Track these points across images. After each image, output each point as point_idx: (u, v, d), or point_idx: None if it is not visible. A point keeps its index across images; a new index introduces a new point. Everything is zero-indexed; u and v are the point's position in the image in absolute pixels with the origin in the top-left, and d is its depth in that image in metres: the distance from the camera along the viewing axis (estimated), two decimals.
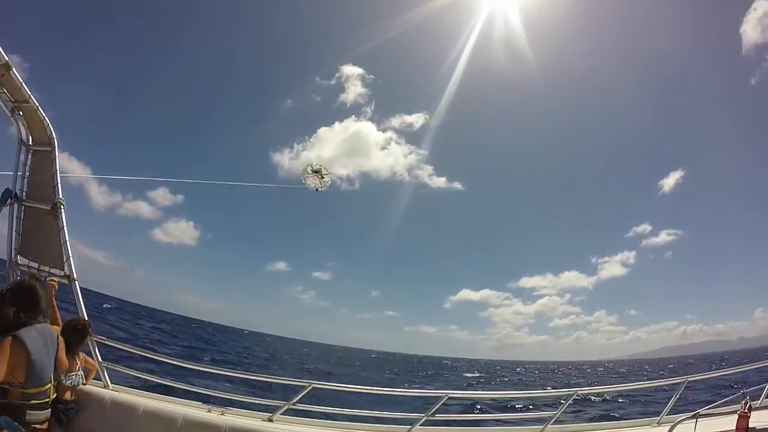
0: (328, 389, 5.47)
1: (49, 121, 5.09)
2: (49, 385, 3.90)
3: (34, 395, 3.74)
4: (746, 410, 4.05)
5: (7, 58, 4.51)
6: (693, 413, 4.36)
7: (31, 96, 4.89)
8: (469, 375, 53.19)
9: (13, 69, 4.60)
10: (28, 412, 3.71)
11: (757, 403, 4.33)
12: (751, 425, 4.00)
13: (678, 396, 5.33)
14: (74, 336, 4.46)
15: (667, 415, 5.19)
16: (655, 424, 5.20)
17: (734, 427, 4.04)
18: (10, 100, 4.97)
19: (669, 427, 4.39)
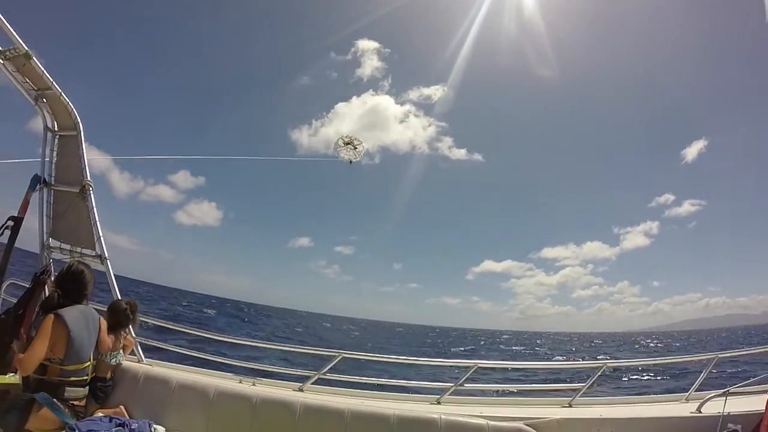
0: (358, 359, 5.55)
1: (72, 106, 5.19)
2: (88, 363, 4.06)
3: (73, 372, 3.89)
4: None
5: (26, 48, 4.61)
6: (723, 391, 4.34)
7: (54, 83, 4.98)
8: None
9: (34, 58, 4.69)
10: (66, 388, 3.87)
11: None
12: None
13: (707, 373, 5.24)
14: (122, 317, 4.65)
15: (696, 391, 5.12)
16: (683, 400, 5.14)
17: (764, 408, 3.95)
18: (33, 89, 5.08)
19: (698, 404, 4.41)
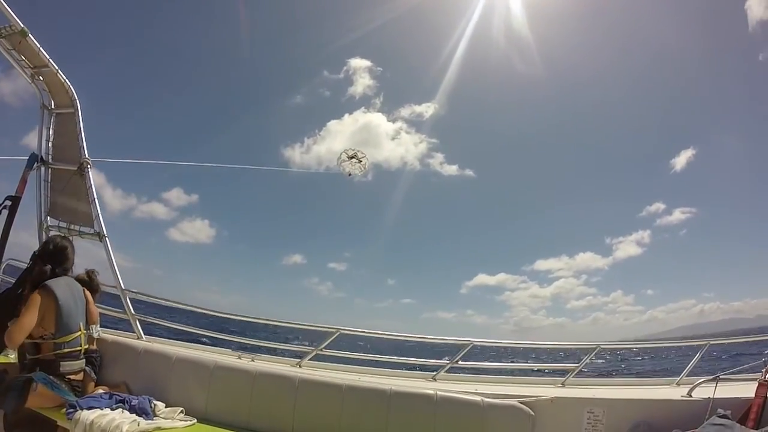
0: (356, 335, 5.58)
1: (69, 83, 5.16)
2: (79, 333, 4.05)
3: (66, 344, 3.90)
4: (766, 379, 4.04)
5: (22, 25, 4.58)
6: (713, 376, 4.40)
7: (50, 60, 4.95)
8: None
9: (30, 35, 4.67)
10: (61, 363, 3.87)
11: None
12: None
13: (699, 358, 5.32)
14: (93, 287, 4.54)
15: (687, 376, 5.21)
16: (674, 384, 5.22)
17: (753, 395, 4.02)
18: (29, 66, 5.05)
19: (688, 388, 4.45)
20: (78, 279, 4.48)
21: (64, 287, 3.97)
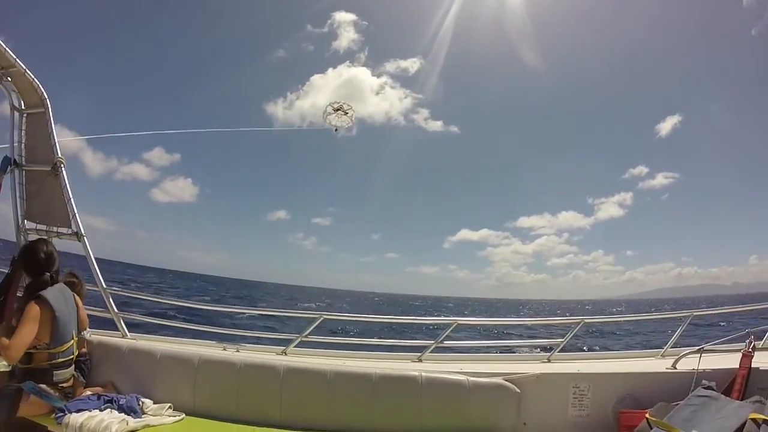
0: (339, 320, 5.64)
1: (38, 83, 5.07)
2: (72, 341, 4.06)
3: (60, 353, 3.89)
4: (750, 350, 4.13)
5: None
6: (698, 348, 4.48)
7: (17, 60, 4.82)
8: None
9: None
10: (54, 372, 3.87)
11: (760, 344, 4.37)
12: (754, 365, 4.08)
13: (683, 330, 5.41)
14: (79, 289, 4.55)
15: (671, 348, 5.30)
16: (659, 356, 5.30)
17: (737, 365, 4.10)
18: None
19: (673, 360, 4.57)
20: (65, 281, 4.45)
21: (59, 297, 3.95)
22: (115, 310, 5.06)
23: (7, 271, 4.80)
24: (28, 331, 3.67)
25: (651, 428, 3.69)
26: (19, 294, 4.47)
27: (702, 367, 4.23)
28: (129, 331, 5.12)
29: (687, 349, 4.68)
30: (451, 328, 5.18)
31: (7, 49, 4.71)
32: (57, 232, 5.17)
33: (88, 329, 4.61)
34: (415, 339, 5.68)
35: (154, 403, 4.16)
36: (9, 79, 5.05)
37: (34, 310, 3.72)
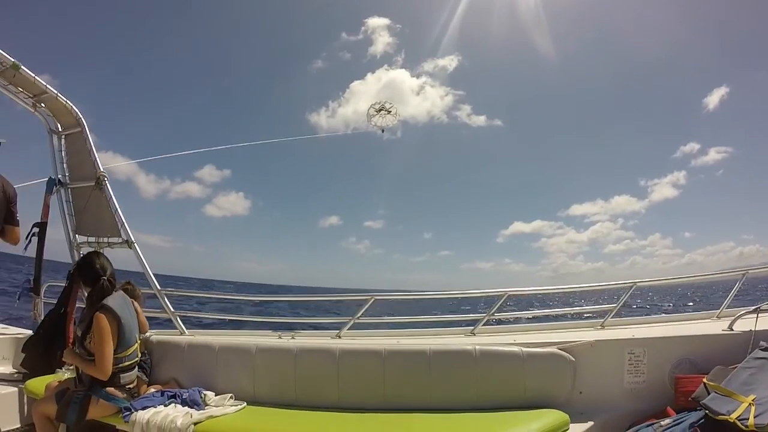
0: (390, 299, 5.60)
1: (72, 104, 5.27)
2: (137, 345, 4.21)
3: (126, 357, 4.02)
4: None
5: (12, 59, 4.67)
6: (754, 308, 4.27)
7: (47, 86, 5.06)
8: None
9: (22, 67, 4.78)
10: (121, 375, 3.98)
11: None
12: None
13: (738, 289, 5.14)
14: (130, 295, 4.68)
15: (726, 308, 5.06)
16: (714, 318, 5.09)
17: None
18: (29, 96, 5.19)
19: (729, 321, 4.33)
20: (121, 290, 4.64)
21: (122, 304, 4.07)
22: (172, 309, 5.23)
23: (65, 284, 5.08)
24: (108, 347, 3.81)
25: (708, 393, 3.51)
26: (80, 304, 4.72)
27: (759, 327, 4.01)
28: (187, 329, 5.27)
29: (743, 309, 4.42)
30: (502, 300, 5.08)
31: (36, 77, 4.92)
32: (108, 242, 5.40)
33: (149, 331, 4.79)
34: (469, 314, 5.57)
35: (216, 395, 4.26)
36: (42, 105, 5.30)
37: (104, 322, 3.82)
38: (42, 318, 5.24)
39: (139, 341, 4.27)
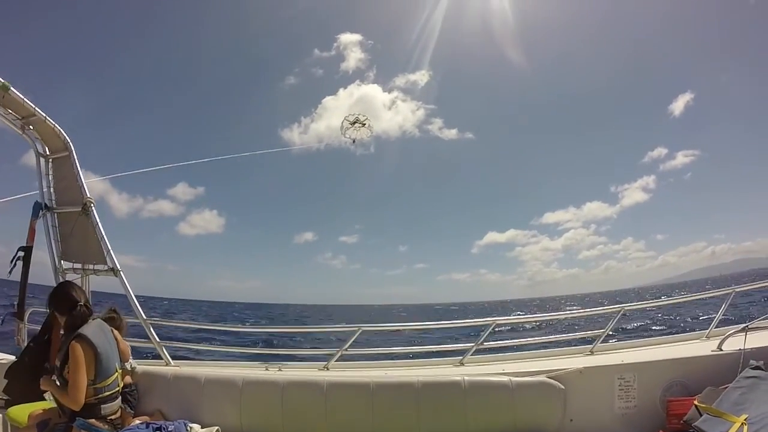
0: (377, 330, 5.61)
1: (60, 128, 5.23)
2: (116, 374, 4.13)
3: (105, 387, 3.96)
4: None
5: (2, 80, 4.63)
6: (743, 326, 4.35)
7: (36, 108, 5.00)
8: None
9: (12, 88, 4.72)
10: (102, 406, 3.91)
11: None
12: None
13: (725, 308, 5.26)
14: (118, 324, 4.61)
15: (715, 327, 5.15)
16: (704, 338, 5.17)
17: None
18: (18, 118, 5.12)
19: (719, 341, 4.42)
20: (104, 317, 4.53)
21: (98, 333, 4.01)
22: (157, 339, 5.16)
23: (47, 310, 4.99)
24: (81, 376, 3.75)
25: (700, 415, 3.59)
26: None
27: (749, 346, 4.10)
28: (172, 359, 5.20)
29: (732, 328, 4.52)
30: (490, 329, 5.11)
31: (25, 99, 4.88)
32: (94, 269, 5.32)
33: (131, 360, 4.71)
34: (456, 343, 5.60)
35: (203, 428, 4.22)
36: (31, 127, 5.25)
37: (78, 351, 3.77)
38: (26, 344, 5.13)
39: (119, 370, 4.20)
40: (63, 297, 4.07)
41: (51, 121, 5.14)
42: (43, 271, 5.57)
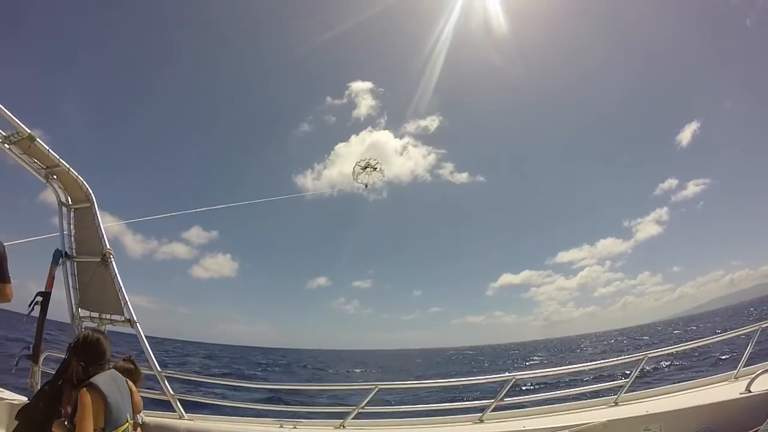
0: (394, 388, 5.50)
1: (83, 180, 5.34)
2: (127, 424, 4.08)
3: None
4: None
5: (29, 131, 4.78)
6: None
7: (61, 159, 5.14)
8: None
9: (38, 139, 4.87)
10: None
11: None
12: None
13: (752, 346, 5.08)
14: (135, 375, 4.60)
15: (744, 367, 4.99)
16: (732, 379, 5.00)
17: None
18: (42, 168, 5.25)
19: (748, 381, 4.27)
20: (122, 367, 4.54)
21: (110, 383, 3.98)
22: (171, 392, 5.12)
23: (64, 356, 4.97)
24: (87, 423, 3.69)
25: None
26: None
27: None
28: (186, 412, 5.12)
29: (760, 367, 4.39)
30: (509, 384, 5.00)
31: (50, 150, 5.01)
32: (110, 319, 5.33)
33: (142, 415, 4.64)
34: (475, 396, 5.45)
35: None
36: (54, 177, 5.36)
37: (86, 399, 3.73)
38: (39, 387, 5.10)
39: (130, 421, 4.14)
40: (95, 351, 4.06)
41: (74, 172, 5.27)
42: (59, 308, 5.61)
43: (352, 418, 5.04)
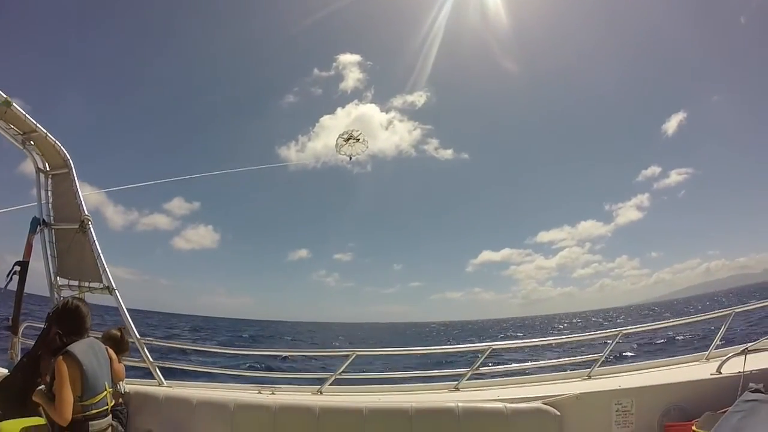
0: (372, 355, 5.57)
1: (60, 145, 5.25)
2: (105, 393, 4.09)
3: (93, 405, 3.93)
4: None
5: (5, 96, 4.67)
6: (742, 348, 4.27)
7: (38, 125, 5.04)
8: None
9: (14, 104, 4.76)
10: (90, 423, 3.89)
11: None
12: None
13: (725, 330, 5.16)
14: (121, 345, 4.64)
15: (715, 349, 5.09)
16: (703, 360, 5.11)
17: None
18: (19, 133, 5.16)
19: (718, 363, 4.35)
20: (109, 335, 4.58)
21: (87, 351, 3.97)
22: (151, 359, 5.14)
23: (43, 326, 4.95)
24: (65, 391, 3.71)
25: None
26: None
27: (748, 368, 4.01)
28: (165, 379, 5.16)
29: (731, 351, 4.47)
30: (485, 354, 5.07)
31: (27, 115, 4.91)
32: (89, 287, 5.31)
33: (124, 384, 4.67)
34: (452, 367, 5.53)
35: None
36: (32, 143, 5.27)
37: (63, 367, 3.73)
38: (19, 358, 5.09)
39: (108, 390, 4.16)
40: (76, 319, 4.05)
41: (52, 137, 5.17)
42: (40, 282, 5.57)
43: (330, 384, 5.10)
